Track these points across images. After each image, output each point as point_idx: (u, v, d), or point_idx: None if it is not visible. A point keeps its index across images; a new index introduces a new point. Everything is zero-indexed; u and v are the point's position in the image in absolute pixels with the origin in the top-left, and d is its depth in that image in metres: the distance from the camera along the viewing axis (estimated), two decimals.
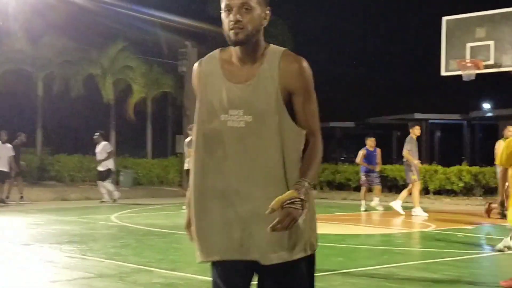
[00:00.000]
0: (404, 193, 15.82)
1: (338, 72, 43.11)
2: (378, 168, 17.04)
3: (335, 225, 14.16)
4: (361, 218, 15.41)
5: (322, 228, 13.82)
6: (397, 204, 15.63)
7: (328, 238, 12.03)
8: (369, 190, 17.23)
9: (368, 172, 16.82)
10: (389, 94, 43.65)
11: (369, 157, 16.83)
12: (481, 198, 19.80)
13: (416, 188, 15.50)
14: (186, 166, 16.74)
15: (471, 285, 7.57)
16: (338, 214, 16.18)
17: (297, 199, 2.72)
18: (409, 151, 15.30)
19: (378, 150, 17.00)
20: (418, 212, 15.23)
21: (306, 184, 2.79)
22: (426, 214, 15.17)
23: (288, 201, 2.70)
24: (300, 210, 2.71)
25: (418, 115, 35.12)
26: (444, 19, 16.99)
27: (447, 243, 11.13)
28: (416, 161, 15.40)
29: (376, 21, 47.42)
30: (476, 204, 18.92)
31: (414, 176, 15.33)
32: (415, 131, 15.51)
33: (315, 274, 3.14)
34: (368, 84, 44.66)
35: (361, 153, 16.86)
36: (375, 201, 16.69)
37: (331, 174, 24.83)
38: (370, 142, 16.96)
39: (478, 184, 20.32)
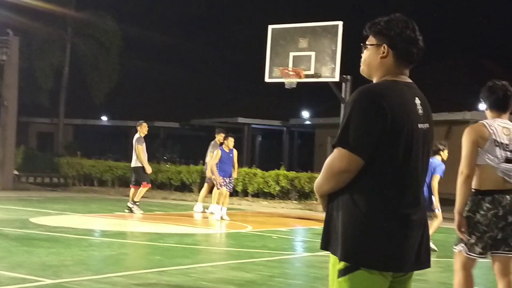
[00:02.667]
0: (203, 193, 16.63)
1: (164, 73, 43.09)
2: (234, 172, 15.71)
3: (155, 224, 14.15)
4: (180, 218, 15.49)
5: (141, 227, 13.79)
6: (198, 207, 16.40)
7: (146, 236, 12.00)
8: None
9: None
10: (214, 97, 44.27)
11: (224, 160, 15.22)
12: (296, 202, 20.62)
13: (206, 188, 16.49)
14: (134, 164, 15.69)
15: (282, 284, 7.87)
16: (158, 213, 16.17)
17: None
18: (212, 153, 16.09)
19: (235, 152, 15.51)
20: (215, 209, 15.87)
21: None
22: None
23: None
24: None
25: (241, 119, 35.96)
26: (270, 27, 17.52)
27: (262, 244, 11.49)
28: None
29: (205, 24, 47.95)
30: (291, 208, 19.69)
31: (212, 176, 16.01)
32: (219, 137, 16.22)
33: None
34: (194, 86, 45.03)
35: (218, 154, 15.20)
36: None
37: (153, 174, 24.77)
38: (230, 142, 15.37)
39: (294, 188, 21.13)
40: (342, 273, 3.03)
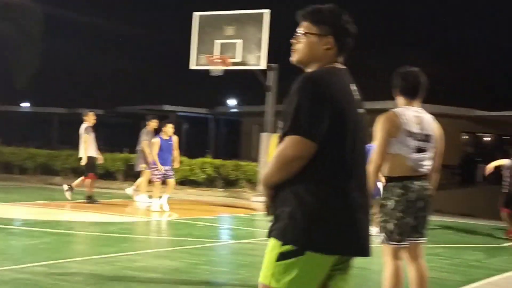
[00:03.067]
0: (140, 182, 16.42)
1: (89, 58, 42.28)
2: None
3: (78, 213, 13.89)
4: (105, 206, 15.25)
5: (64, 215, 13.51)
6: (131, 191, 16.33)
7: (69, 225, 11.76)
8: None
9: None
10: (140, 84, 43.74)
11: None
12: (222, 189, 20.61)
13: (146, 176, 16.18)
14: (82, 153, 15.39)
15: (207, 272, 7.85)
16: (81, 201, 15.87)
17: None
18: (148, 142, 15.87)
19: (175, 138, 14.77)
20: (142, 199, 15.94)
21: None
22: (151, 201, 15.32)
23: None
24: None
25: (167, 107, 35.69)
26: (196, 14, 17.40)
27: (187, 232, 11.43)
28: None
29: (132, 10, 47.27)
30: (217, 195, 19.67)
31: (143, 165, 15.94)
32: (152, 123, 16.03)
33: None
34: (120, 72, 44.37)
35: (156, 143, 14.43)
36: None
37: (76, 161, 24.36)
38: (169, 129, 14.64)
39: (220, 176, 21.11)
40: (285, 256, 2.98)
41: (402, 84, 5.32)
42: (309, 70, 3.18)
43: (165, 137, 14.53)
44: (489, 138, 34.75)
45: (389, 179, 5.18)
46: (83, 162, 15.28)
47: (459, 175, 30.25)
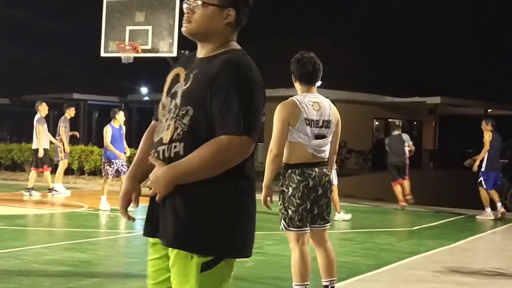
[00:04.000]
0: (60, 173, 15.97)
1: None
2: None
3: None
4: (11, 198, 14.74)
5: None
6: (59, 187, 15.76)
7: None
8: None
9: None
10: (49, 71, 42.57)
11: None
12: None
13: (64, 166, 15.91)
14: (35, 145, 15.07)
15: (118, 263, 7.67)
16: None
17: None
18: (65, 128, 15.71)
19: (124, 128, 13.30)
20: (60, 189, 15.58)
21: None
22: (69, 192, 15.67)
23: None
24: None
25: (76, 95, 34.90)
26: (105, 0, 16.98)
27: (98, 223, 11.19)
28: (67, 142, 15.88)
29: None
30: None
31: (61, 154, 15.70)
32: (70, 111, 15.70)
33: None
34: (27, 59, 43.04)
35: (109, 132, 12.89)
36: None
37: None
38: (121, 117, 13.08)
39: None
40: (209, 265, 2.68)
41: (300, 70, 5.27)
42: (205, 45, 2.84)
43: (117, 126, 12.95)
44: (399, 124, 35.59)
45: (287, 166, 5.17)
46: (40, 154, 14.93)
47: (371, 160, 30.88)
